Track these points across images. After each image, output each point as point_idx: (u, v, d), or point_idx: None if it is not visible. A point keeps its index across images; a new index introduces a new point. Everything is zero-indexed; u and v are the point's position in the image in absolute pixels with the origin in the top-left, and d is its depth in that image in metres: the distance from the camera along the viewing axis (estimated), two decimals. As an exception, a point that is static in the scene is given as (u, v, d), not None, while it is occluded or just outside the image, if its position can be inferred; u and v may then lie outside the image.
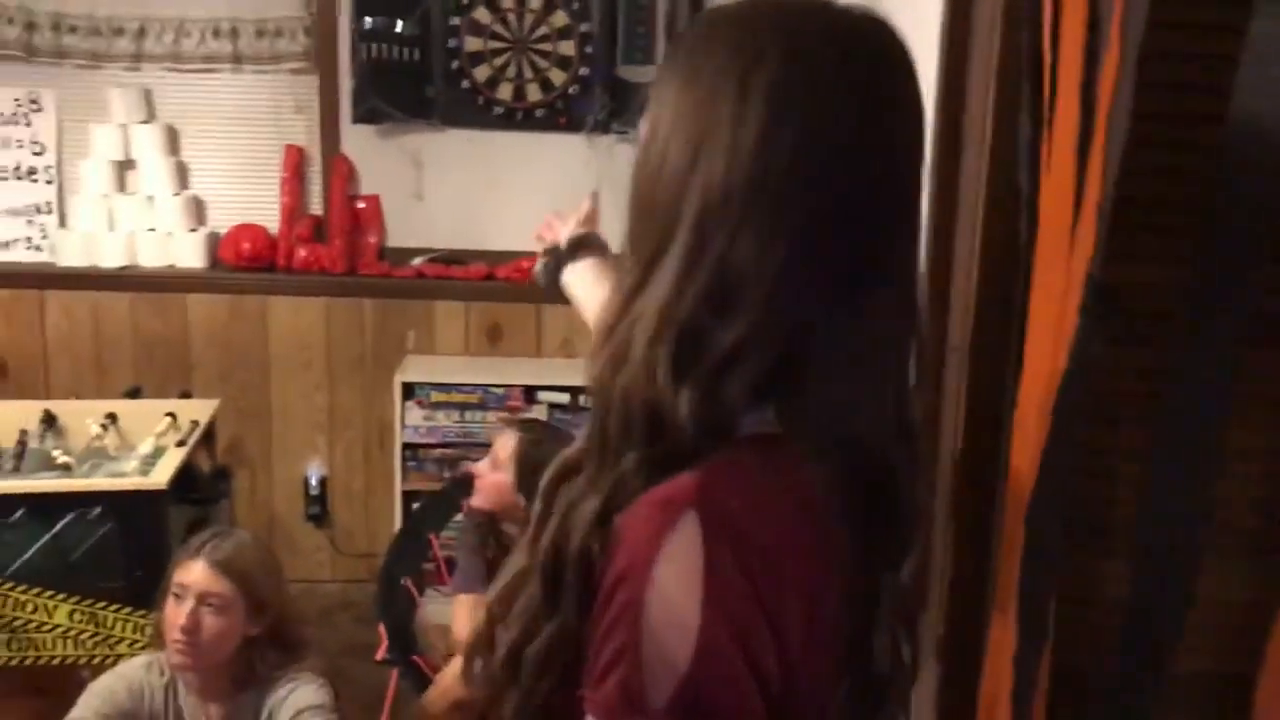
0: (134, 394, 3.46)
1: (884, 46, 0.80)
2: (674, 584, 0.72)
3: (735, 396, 0.76)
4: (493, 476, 2.59)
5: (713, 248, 0.76)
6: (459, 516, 2.96)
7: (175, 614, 2.09)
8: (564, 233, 1.55)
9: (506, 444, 2.60)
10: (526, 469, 2.53)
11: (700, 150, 0.77)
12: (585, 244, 1.50)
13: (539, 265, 1.51)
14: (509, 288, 3.86)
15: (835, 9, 0.79)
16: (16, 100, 3.84)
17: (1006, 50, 1.34)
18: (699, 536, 0.72)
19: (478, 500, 2.62)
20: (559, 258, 1.49)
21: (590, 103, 3.85)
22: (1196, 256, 0.88)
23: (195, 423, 2.97)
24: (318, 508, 4.02)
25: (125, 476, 2.70)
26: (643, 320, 0.78)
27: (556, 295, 1.54)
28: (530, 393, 3.74)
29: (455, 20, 3.79)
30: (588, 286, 1.46)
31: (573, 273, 1.49)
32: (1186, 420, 0.90)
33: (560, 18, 3.82)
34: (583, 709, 0.76)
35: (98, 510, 2.52)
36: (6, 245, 3.91)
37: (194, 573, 2.11)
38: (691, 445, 0.76)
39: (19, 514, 2.49)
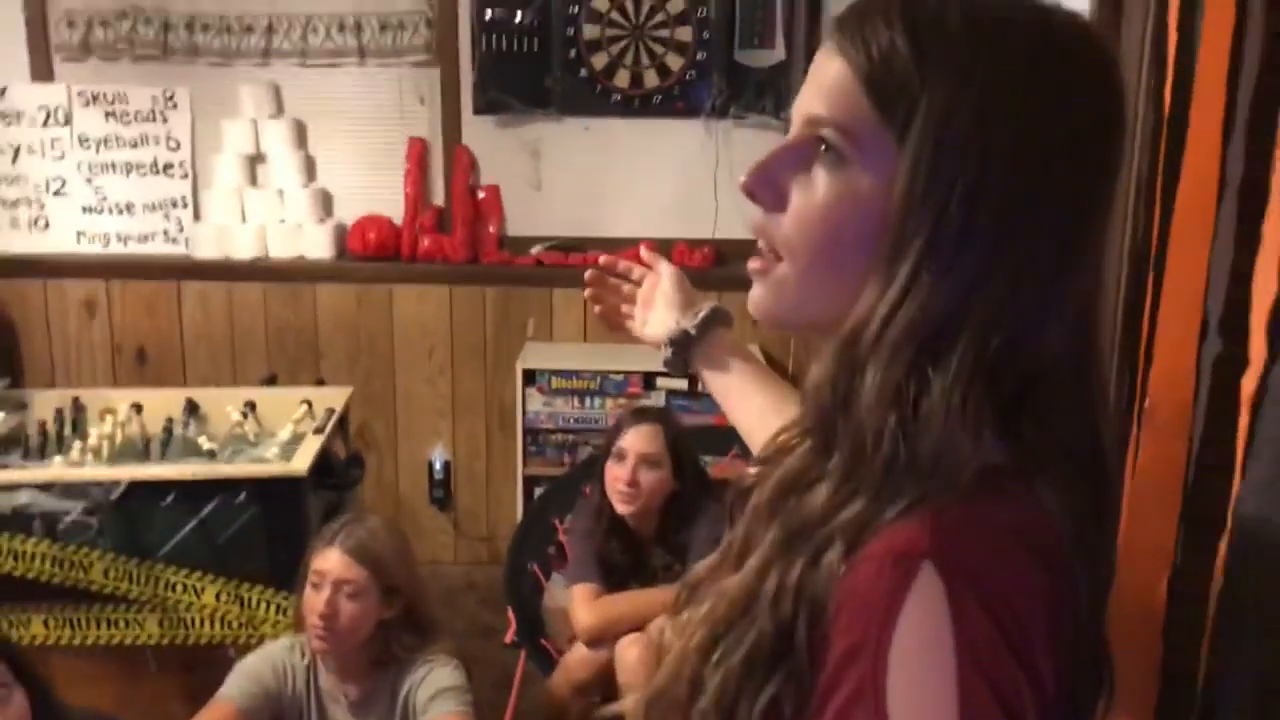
0: (270, 381, 3.57)
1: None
2: (920, 650, 0.62)
3: (985, 421, 0.67)
4: (654, 475, 2.62)
5: (986, 253, 0.68)
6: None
7: (314, 601, 2.17)
8: (660, 311, 1.29)
9: (651, 440, 2.63)
10: (681, 456, 2.65)
11: (997, 146, 0.68)
12: (715, 322, 1.25)
13: (667, 353, 1.26)
14: (627, 275, 3.88)
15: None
16: (154, 98, 3.99)
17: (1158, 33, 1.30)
18: (941, 590, 0.63)
19: (639, 505, 2.63)
20: (689, 343, 1.24)
21: (707, 88, 3.83)
22: None
23: (331, 410, 3.05)
24: (441, 491, 4.11)
25: (267, 463, 2.79)
26: (903, 331, 0.69)
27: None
28: (649, 379, 3.75)
29: (574, 9, 3.80)
30: (735, 381, 1.22)
31: (714, 367, 1.23)
32: None
33: (677, 3, 3.80)
34: None
35: (242, 495, 2.61)
36: (145, 239, 4.06)
37: (330, 561, 2.18)
38: (935, 482, 0.66)
39: (169, 499, 2.59)
